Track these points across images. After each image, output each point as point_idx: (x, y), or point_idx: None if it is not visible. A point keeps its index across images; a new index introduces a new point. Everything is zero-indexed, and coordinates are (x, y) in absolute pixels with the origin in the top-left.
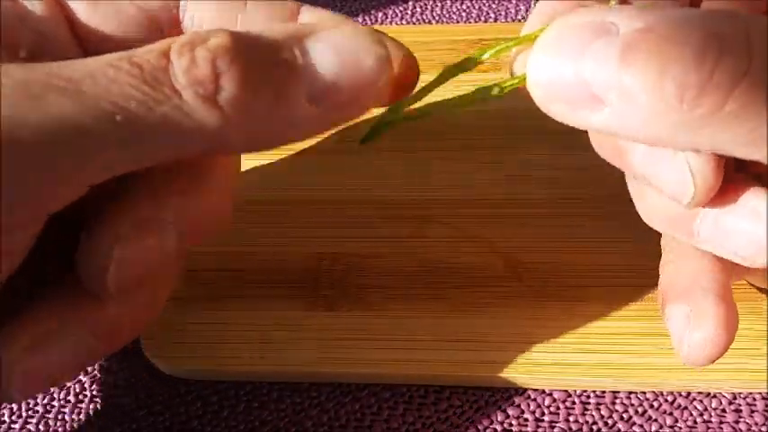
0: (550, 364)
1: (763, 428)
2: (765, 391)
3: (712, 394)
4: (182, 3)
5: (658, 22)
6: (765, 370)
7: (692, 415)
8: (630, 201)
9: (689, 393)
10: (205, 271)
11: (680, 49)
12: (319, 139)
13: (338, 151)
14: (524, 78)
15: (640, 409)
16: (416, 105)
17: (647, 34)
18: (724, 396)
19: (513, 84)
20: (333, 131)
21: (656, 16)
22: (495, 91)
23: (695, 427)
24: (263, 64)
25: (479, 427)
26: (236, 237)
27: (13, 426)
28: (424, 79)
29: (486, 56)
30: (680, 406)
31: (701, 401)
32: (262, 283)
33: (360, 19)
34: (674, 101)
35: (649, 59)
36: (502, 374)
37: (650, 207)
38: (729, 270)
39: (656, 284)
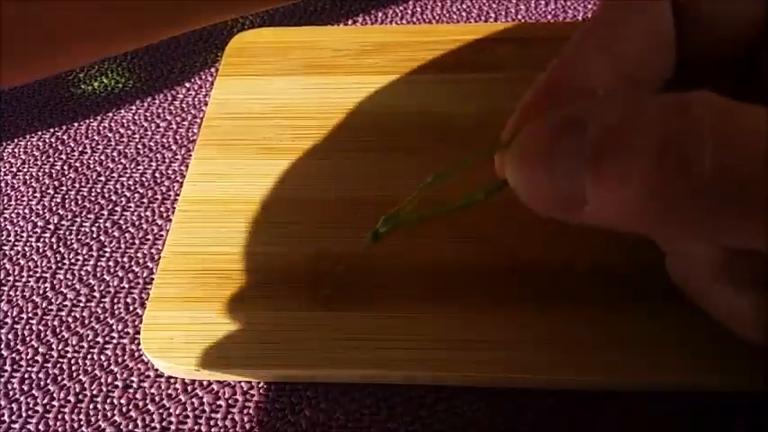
0: (551, 365)
1: (761, 429)
2: (765, 391)
3: (713, 394)
4: None
5: (622, 121)
6: (765, 370)
7: (691, 414)
8: None
9: (689, 393)
10: (205, 272)
11: (640, 153)
12: (319, 141)
13: (338, 152)
14: (507, 183)
15: (641, 409)
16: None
17: (611, 136)
18: (724, 395)
19: (499, 187)
20: (334, 133)
21: (620, 114)
22: (480, 196)
23: (696, 427)
24: None
25: (480, 427)
26: (236, 237)
27: (13, 426)
28: (425, 79)
29: (464, 164)
30: (681, 405)
31: (701, 400)
32: (261, 283)
33: (360, 19)
34: (641, 204)
35: (616, 162)
36: (502, 375)
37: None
38: None
39: (656, 284)
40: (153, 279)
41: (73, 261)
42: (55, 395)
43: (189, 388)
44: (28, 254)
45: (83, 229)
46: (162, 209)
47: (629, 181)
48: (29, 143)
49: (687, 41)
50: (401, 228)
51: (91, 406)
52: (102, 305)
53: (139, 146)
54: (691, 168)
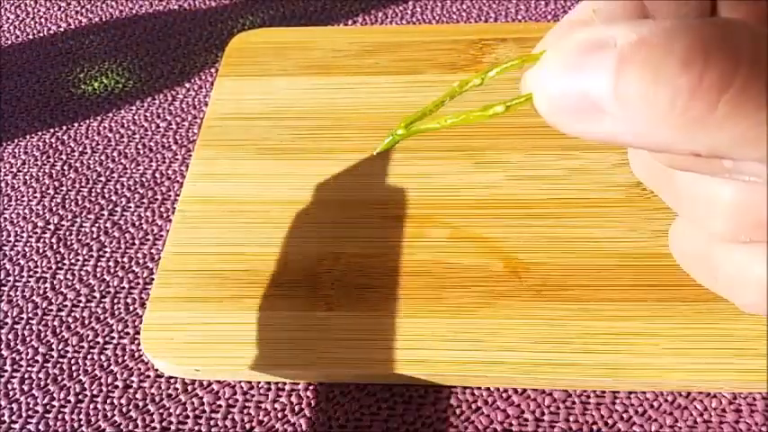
0: (550, 364)
1: (763, 428)
2: (765, 391)
3: (712, 394)
4: None
5: (651, 33)
6: (765, 370)
7: (692, 415)
8: (629, 201)
9: (689, 393)
10: (205, 272)
11: (670, 56)
12: (318, 141)
13: (337, 152)
14: (530, 97)
15: (640, 409)
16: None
17: (640, 45)
18: (724, 396)
19: (519, 102)
20: (333, 134)
21: (650, 28)
22: (501, 109)
23: (695, 427)
24: None
25: (479, 427)
26: (237, 238)
27: (13, 425)
28: (425, 79)
29: (492, 74)
30: (680, 406)
31: (701, 401)
32: (262, 283)
33: (360, 19)
34: (667, 106)
35: (643, 68)
36: (502, 374)
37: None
38: None
39: (655, 284)
40: (153, 279)
41: (73, 261)
42: (55, 395)
43: (189, 388)
44: (28, 254)
45: (83, 229)
46: (162, 209)
47: (655, 84)
48: (29, 143)
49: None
50: (420, 133)
51: (91, 406)
52: (102, 305)
53: (139, 146)
54: (717, 72)
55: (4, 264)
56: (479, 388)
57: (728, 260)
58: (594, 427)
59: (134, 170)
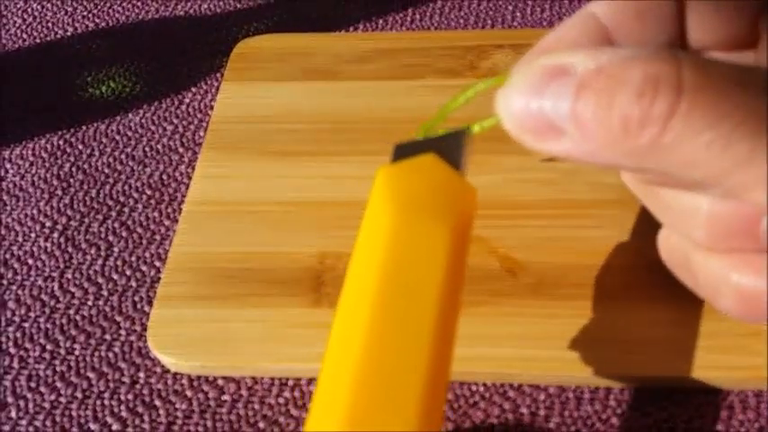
0: (545, 360)
1: (756, 425)
2: (763, 388)
3: (707, 390)
4: None
5: (608, 63)
6: (764, 368)
7: (687, 410)
8: (621, 202)
9: (685, 389)
10: (211, 271)
11: (624, 87)
12: (320, 144)
13: (339, 155)
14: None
15: (635, 404)
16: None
17: (598, 73)
18: (720, 392)
19: (491, 123)
20: (335, 137)
21: (607, 58)
22: (476, 128)
23: (691, 423)
24: None
25: (476, 421)
26: (241, 236)
27: (20, 422)
28: (424, 84)
29: (468, 94)
30: (676, 401)
31: (697, 397)
32: (266, 281)
33: (361, 26)
34: (619, 132)
35: (600, 95)
36: (497, 370)
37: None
38: None
39: (650, 281)
40: (160, 278)
41: (81, 261)
42: (62, 392)
43: (194, 383)
44: (36, 254)
45: (91, 229)
46: (169, 210)
47: (609, 111)
48: (37, 146)
49: (689, 25)
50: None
51: (98, 402)
52: (109, 303)
53: (147, 148)
54: (664, 103)
55: (13, 263)
56: (476, 383)
57: (707, 267)
58: (589, 422)
59: (141, 172)
